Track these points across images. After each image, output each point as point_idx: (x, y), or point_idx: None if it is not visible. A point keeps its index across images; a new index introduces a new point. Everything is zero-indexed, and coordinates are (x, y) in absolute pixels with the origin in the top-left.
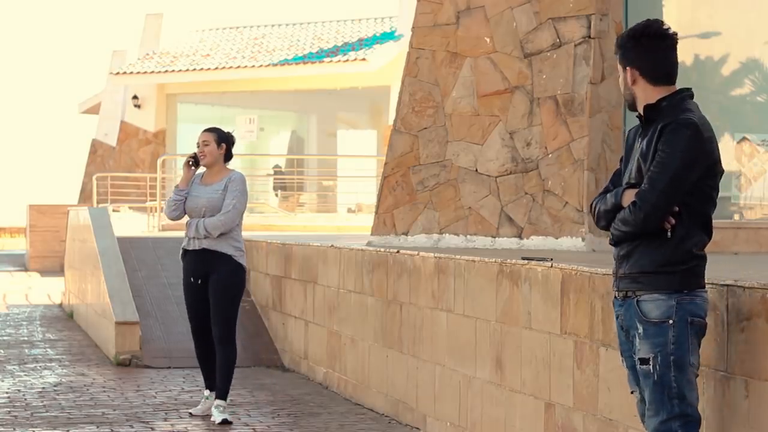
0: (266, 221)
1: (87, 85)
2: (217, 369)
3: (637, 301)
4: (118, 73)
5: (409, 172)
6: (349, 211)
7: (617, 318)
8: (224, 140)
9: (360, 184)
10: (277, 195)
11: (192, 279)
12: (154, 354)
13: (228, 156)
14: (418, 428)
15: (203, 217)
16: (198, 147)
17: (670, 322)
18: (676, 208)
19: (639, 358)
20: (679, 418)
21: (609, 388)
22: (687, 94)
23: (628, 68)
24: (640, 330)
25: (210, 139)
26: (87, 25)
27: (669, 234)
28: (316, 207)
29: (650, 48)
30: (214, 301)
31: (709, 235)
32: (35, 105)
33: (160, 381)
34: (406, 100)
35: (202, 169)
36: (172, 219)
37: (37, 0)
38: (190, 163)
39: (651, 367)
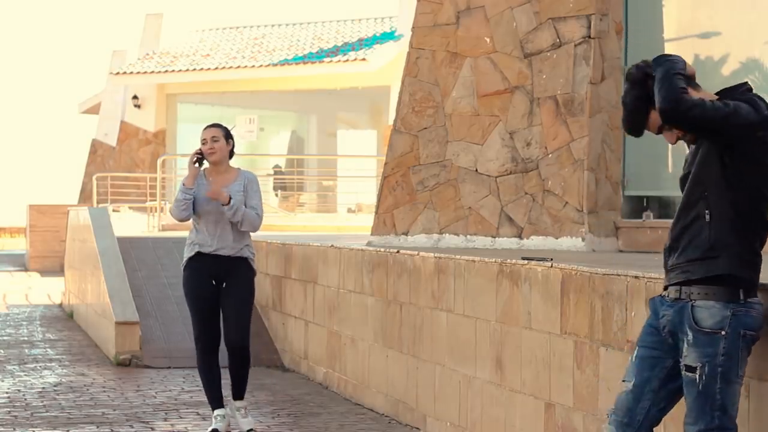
0: (266, 221)
1: (87, 85)
2: (236, 374)
3: (692, 306)
4: (118, 73)
5: (409, 172)
6: (349, 211)
7: (660, 316)
8: (230, 136)
9: (360, 184)
10: (277, 195)
11: (214, 282)
12: (154, 354)
13: (232, 152)
14: (418, 428)
15: (220, 218)
16: (204, 143)
17: (723, 333)
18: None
19: (685, 365)
20: (717, 431)
21: (609, 388)
22: (747, 87)
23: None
24: (690, 337)
25: (219, 135)
26: (87, 25)
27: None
28: (316, 207)
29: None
30: (236, 307)
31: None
32: (35, 105)
33: (160, 381)
34: (406, 100)
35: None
36: (182, 220)
37: (37, 0)
38: (195, 160)
39: (697, 376)
